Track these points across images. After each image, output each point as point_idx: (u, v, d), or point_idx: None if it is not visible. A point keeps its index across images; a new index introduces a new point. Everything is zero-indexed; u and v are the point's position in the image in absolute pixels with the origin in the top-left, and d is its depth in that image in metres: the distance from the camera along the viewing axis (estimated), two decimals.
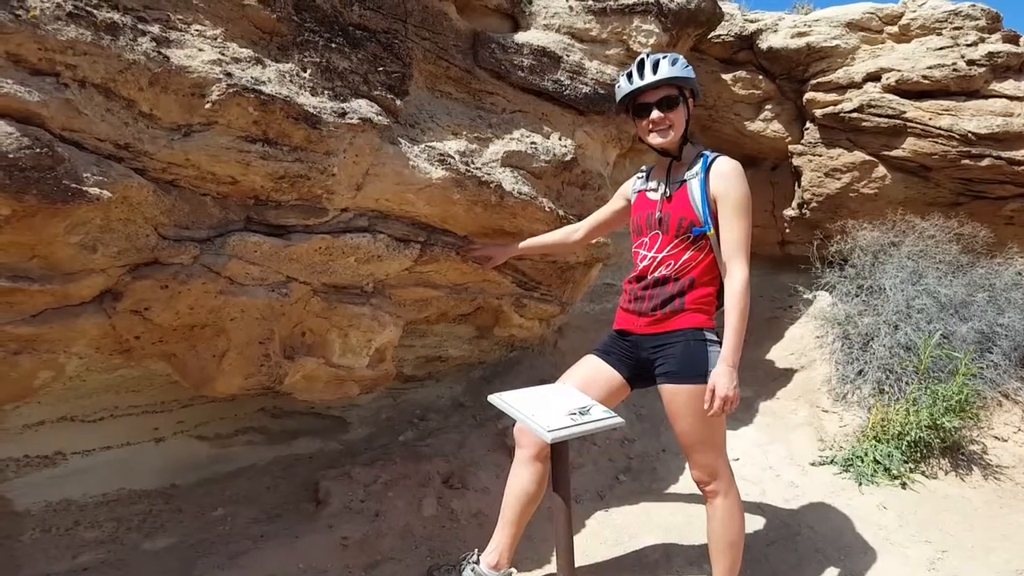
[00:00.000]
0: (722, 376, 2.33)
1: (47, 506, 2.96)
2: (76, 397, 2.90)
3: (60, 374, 2.59)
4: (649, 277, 2.58)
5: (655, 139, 2.56)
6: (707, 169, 2.50)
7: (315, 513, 3.21)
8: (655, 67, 2.49)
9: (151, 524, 3.10)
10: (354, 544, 3.00)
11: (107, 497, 3.11)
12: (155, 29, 2.20)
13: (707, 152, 2.58)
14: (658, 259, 2.56)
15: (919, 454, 4.00)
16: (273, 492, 3.44)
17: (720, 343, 2.44)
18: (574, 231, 3.17)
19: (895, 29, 5.44)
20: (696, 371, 2.44)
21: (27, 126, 1.91)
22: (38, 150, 1.90)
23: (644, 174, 2.79)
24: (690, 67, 2.54)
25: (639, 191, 2.74)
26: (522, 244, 3.28)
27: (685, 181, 2.54)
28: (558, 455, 2.31)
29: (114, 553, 2.92)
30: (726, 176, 2.47)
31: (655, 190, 2.64)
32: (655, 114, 2.53)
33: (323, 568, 2.86)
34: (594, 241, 3.87)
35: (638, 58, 2.56)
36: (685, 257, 2.51)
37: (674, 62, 2.50)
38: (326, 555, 2.92)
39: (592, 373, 2.68)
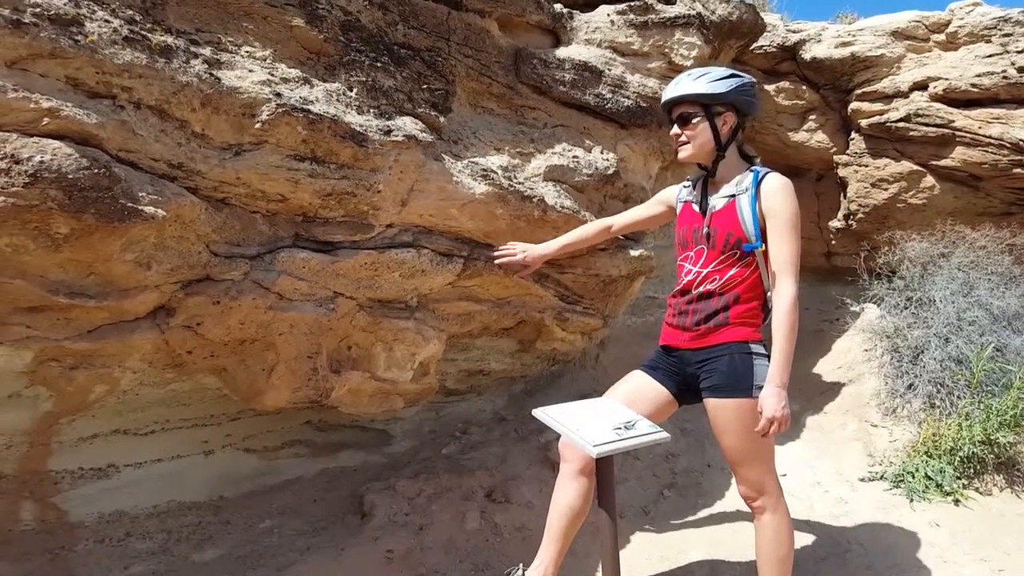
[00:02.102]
0: (770, 397, 2.29)
1: (100, 517, 3.02)
2: (129, 410, 2.96)
3: (114, 388, 2.66)
4: (693, 292, 2.55)
5: (678, 154, 2.59)
6: (757, 185, 2.47)
7: (360, 526, 3.23)
8: (679, 83, 2.51)
9: (200, 535, 3.15)
10: (399, 557, 3.01)
11: (158, 509, 3.17)
12: (207, 51, 2.26)
13: (758, 168, 2.55)
14: (703, 274, 2.53)
15: (972, 470, 3.88)
16: (319, 504, 3.47)
17: (767, 356, 2.40)
18: (610, 223, 3.10)
19: (942, 37, 5.33)
20: (741, 385, 2.40)
21: (85, 147, 1.98)
22: (96, 170, 1.96)
23: (690, 184, 2.76)
24: (725, 80, 2.48)
25: (684, 202, 2.71)
26: (559, 241, 3.10)
27: (734, 196, 2.51)
28: (603, 470, 2.29)
29: (164, 564, 2.97)
30: (776, 193, 2.43)
31: (703, 203, 2.62)
32: (673, 129, 2.56)
33: None
34: (636, 253, 3.86)
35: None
36: (731, 273, 2.48)
37: (699, 77, 2.49)
38: (371, 568, 2.93)
39: (638, 389, 2.65)
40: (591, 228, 3.13)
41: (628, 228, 3.11)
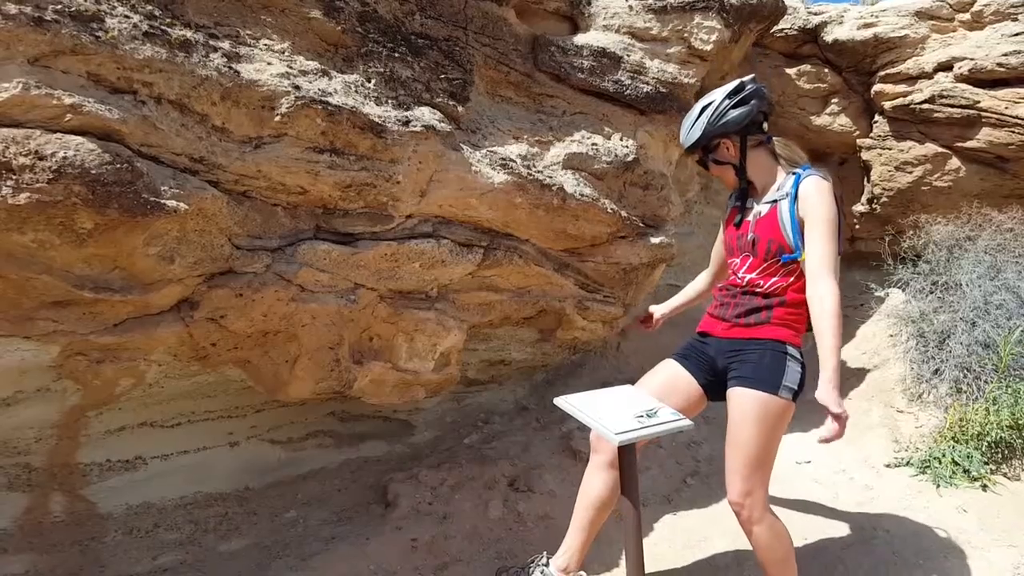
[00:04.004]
0: (832, 396, 2.20)
1: (128, 509, 3.06)
2: (155, 403, 3.00)
3: (140, 381, 2.69)
4: (738, 289, 2.54)
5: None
6: (796, 189, 2.44)
7: (384, 515, 3.25)
8: (685, 133, 2.56)
9: (227, 526, 3.19)
10: (423, 546, 3.03)
11: (185, 500, 3.21)
12: (225, 45, 2.27)
13: (800, 171, 2.50)
14: (747, 279, 2.51)
15: (1000, 455, 3.83)
16: (343, 494, 3.50)
17: (802, 363, 2.38)
18: (707, 273, 3.08)
19: (967, 16, 5.23)
20: (771, 381, 2.35)
21: (108, 142, 2.00)
22: (119, 165, 1.98)
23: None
24: (698, 123, 2.49)
25: (732, 207, 2.68)
26: (673, 303, 3.15)
27: (776, 202, 2.47)
28: (625, 458, 2.29)
29: (192, 554, 3.01)
30: (810, 196, 2.39)
31: (748, 208, 2.59)
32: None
33: (393, 570, 2.89)
34: (657, 241, 3.84)
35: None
36: (774, 279, 2.45)
37: (698, 117, 2.50)
38: (396, 557, 2.95)
39: (671, 380, 2.63)
40: (698, 284, 3.11)
41: (719, 264, 2.99)
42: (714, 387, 2.59)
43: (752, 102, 2.48)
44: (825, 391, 2.21)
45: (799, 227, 2.40)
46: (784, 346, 2.40)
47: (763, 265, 2.46)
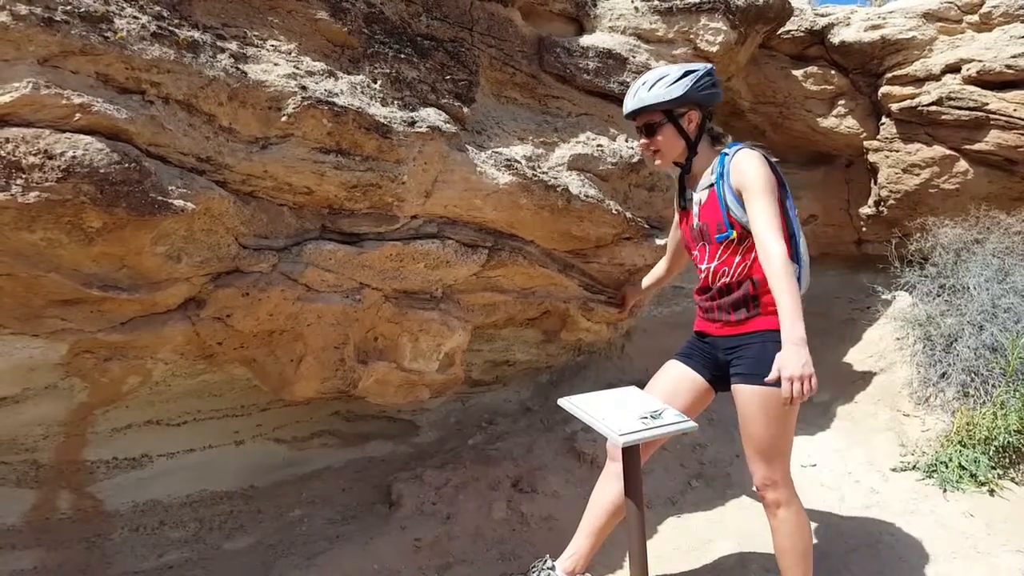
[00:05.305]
0: (788, 355, 2.14)
1: (134, 506, 3.08)
2: (161, 401, 3.02)
3: (147, 379, 2.71)
4: (713, 288, 2.54)
5: (652, 163, 2.57)
6: (725, 167, 2.44)
7: (388, 515, 3.26)
8: (636, 93, 2.48)
9: (232, 524, 3.20)
10: (427, 546, 3.04)
11: (190, 498, 3.23)
12: (233, 46, 2.28)
13: (727, 149, 2.49)
14: (711, 269, 2.52)
15: (1008, 460, 3.81)
16: (348, 494, 3.51)
17: None
18: (664, 259, 3.18)
19: (975, 18, 5.21)
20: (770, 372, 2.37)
21: (116, 142, 2.01)
22: (127, 165, 1.99)
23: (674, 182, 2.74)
24: (681, 82, 2.43)
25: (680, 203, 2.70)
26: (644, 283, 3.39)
27: (712, 185, 2.48)
28: (630, 459, 2.29)
29: (198, 552, 3.03)
30: (739, 166, 2.39)
31: (689, 200, 2.59)
32: (641, 140, 2.53)
33: (397, 569, 2.90)
34: (662, 242, 3.83)
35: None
36: (736, 261, 2.44)
37: (655, 84, 2.45)
38: (400, 556, 2.96)
39: (677, 380, 2.64)
40: (659, 268, 3.23)
41: (677, 253, 3.10)
42: (720, 380, 2.60)
43: (718, 86, 2.53)
44: (785, 351, 2.16)
45: (740, 201, 2.39)
46: (777, 334, 2.35)
47: (720, 249, 2.47)
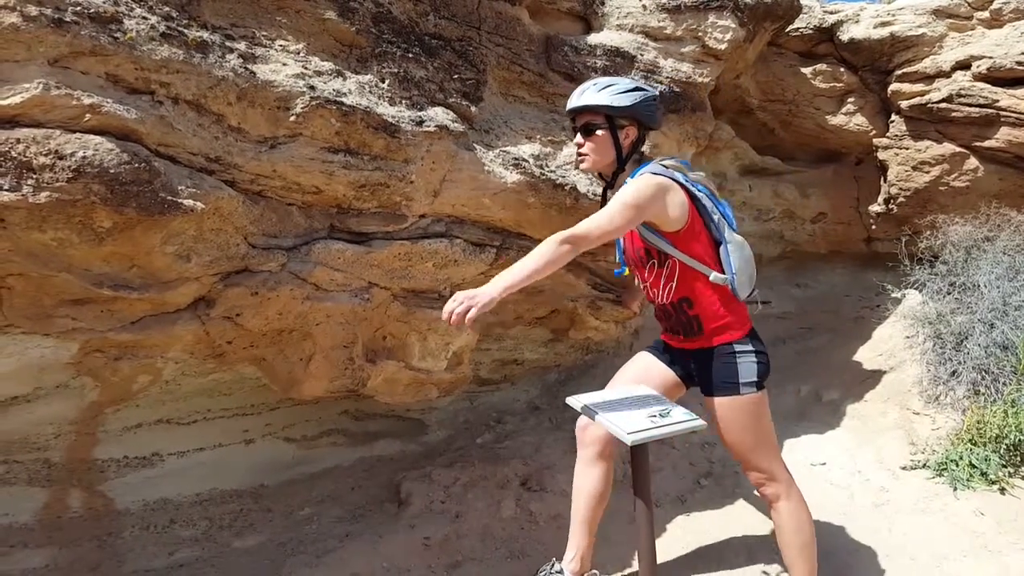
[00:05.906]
0: (464, 293, 2.02)
1: (145, 505, 3.10)
2: (172, 400, 3.03)
3: (157, 378, 2.73)
4: (657, 306, 2.55)
5: (579, 164, 2.51)
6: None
7: (397, 513, 3.27)
8: (584, 92, 2.44)
9: (242, 523, 3.22)
10: (436, 544, 3.04)
11: (200, 496, 3.24)
12: (241, 46, 2.29)
13: (640, 168, 2.43)
14: (648, 286, 2.51)
15: (1019, 458, 3.79)
16: (357, 492, 3.52)
17: (754, 351, 2.39)
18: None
19: (986, 14, 5.18)
20: (730, 384, 2.39)
21: (126, 142, 2.02)
22: (137, 165, 2.00)
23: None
24: (629, 93, 2.40)
25: None
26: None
27: None
28: (638, 458, 2.29)
29: (207, 550, 3.04)
30: (624, 187, 2.34)
31: None
32: (576, 138, 2.48)
33: (406, 567, 2.90)
34: None
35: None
36: (662, 283, 2.43)
37: (604, 88, 2.42)
38: (409, 555, 2.97)
39: (645, 370, 2.64)
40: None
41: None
42: (691, 379, 2.61)
43: (660, 112, 2.54)
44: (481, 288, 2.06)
45: (647, 225, 2.34)
46: (731, 346, 2.40)
47: (645, 272, 2.47)
